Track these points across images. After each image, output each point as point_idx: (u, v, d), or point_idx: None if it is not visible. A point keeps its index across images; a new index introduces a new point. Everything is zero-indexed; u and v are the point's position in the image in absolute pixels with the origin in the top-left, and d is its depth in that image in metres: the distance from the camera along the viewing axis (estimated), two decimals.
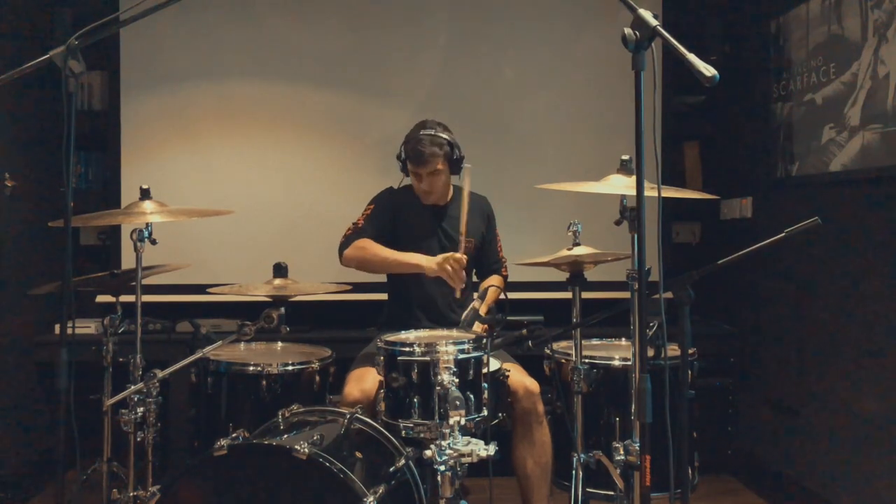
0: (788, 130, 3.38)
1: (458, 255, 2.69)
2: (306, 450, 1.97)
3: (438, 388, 2.11)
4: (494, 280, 3.06)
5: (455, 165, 2.90)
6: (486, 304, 2.66)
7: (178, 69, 3.86)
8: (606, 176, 2.23)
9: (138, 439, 2.42)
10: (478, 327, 2.62)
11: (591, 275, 2.41)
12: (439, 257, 2.70)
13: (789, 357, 3.35)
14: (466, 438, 2.05)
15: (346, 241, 2.89)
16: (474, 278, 3.13)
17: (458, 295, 2.74)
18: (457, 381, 2.12)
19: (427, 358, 2.20)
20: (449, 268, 2.67)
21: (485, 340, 2.28)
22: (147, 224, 2.42)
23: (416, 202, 2.99)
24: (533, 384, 2.64)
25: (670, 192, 2.33)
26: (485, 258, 3.09)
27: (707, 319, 3.92)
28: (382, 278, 3.06)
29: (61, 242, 1.85)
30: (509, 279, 3.14)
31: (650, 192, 1.63)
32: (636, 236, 1.80)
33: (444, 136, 2.86)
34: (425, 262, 2.74)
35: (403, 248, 2.89)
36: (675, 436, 1.80)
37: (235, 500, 2.07)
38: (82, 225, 3.46)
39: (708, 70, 1.48)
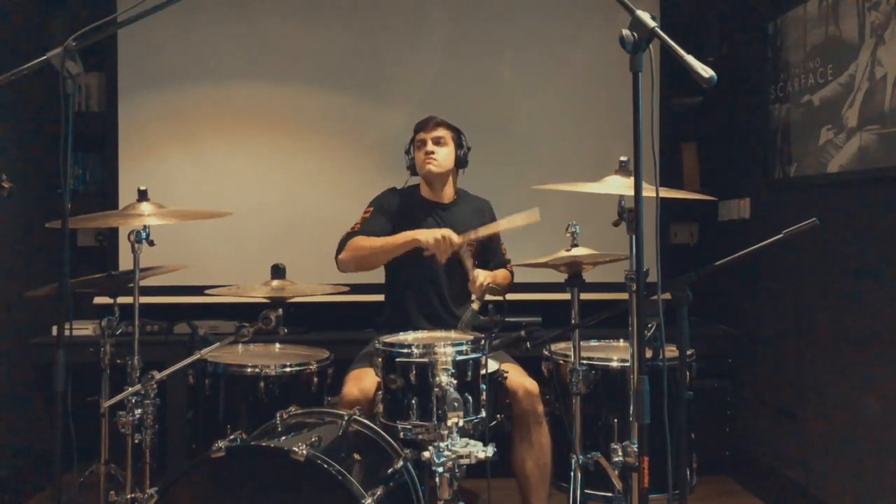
0: (786, 132, 3.39)
1: (456, 237, 2.69)
2: (304, 451, 1.97)
3: (437, 389, 2.11)
4: (499, 273, 3.05)
5: (462, 159, 2.98)
6: (495, 278, 2.71)
7: (176, 70, 3.86)
8: (604, 177, 2.23)
9: (136, 441, 2.42)
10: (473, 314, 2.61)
11: (589, 276, 2.41)
12: (437, 231, 2.71)
13: (787, 358, 3.35)
14: (465, 440, 2.05)
15: (341, 246, 2.90)
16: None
17: (441, 262, 2.73)
18: (455, 382, 2.12)
19: (425, 359, 2.20)
20: (444, 245, 2.67)
21: (483, 341, 2.28)
22: (145, 226, 2.41)
23: (418, 201, 3.00)
24: (532, 385, 2.64)
25: (668, 193, 2.33)
26: (490, 260, 3.10)
27: (705, 321, 3.92)
28: (380, 279, 3.06)
29: (58, 244, 1.84)
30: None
31: (648, 192, 1.63)
32: (634, 237, 1.81)
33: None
34: (420, 234, 2.74)
35: None
36: (673, 437, 1.80)
37: (233, 503, 2.06)
38: (80, 226, 3.45)
39: (706, 71, 1.48)
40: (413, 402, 2.20)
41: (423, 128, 2.95)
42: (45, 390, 3.60)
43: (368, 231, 2.89)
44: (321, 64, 3.92)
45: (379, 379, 2.32)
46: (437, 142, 2.92)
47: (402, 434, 2.23)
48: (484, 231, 2.74)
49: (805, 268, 3.21)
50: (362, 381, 2.60)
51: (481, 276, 2.73)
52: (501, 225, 2.75)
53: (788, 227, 2.08)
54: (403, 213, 2.96)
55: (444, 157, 2.93)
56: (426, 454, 2.02)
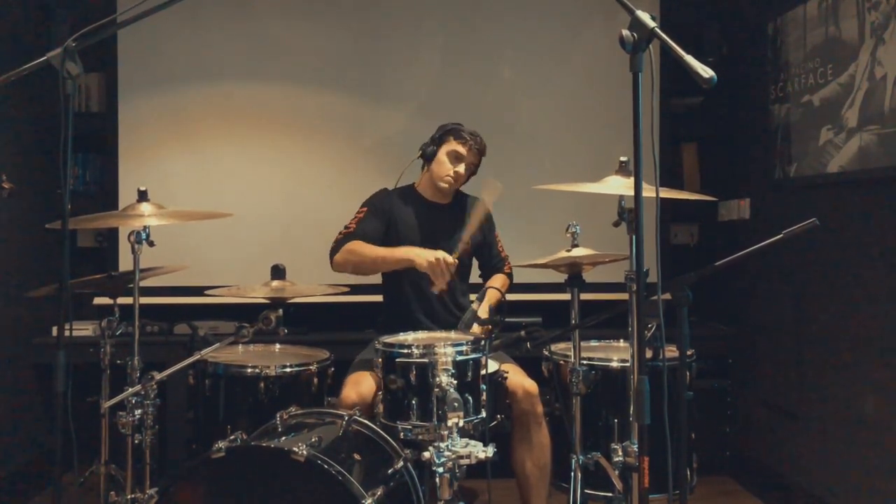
0: (786, 132, 3.39)
1: (450, 258, 2.68)
2: (305, 452, 1.97)
3: (437, 389, 2.11)
4: (497, 280, 3.05)
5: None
6: (486, 305, 2.67)
7: (176, 71, 3.86)
8: (604, 177, 2.23)
9: (136, 441, 2.42)
10: (476, 329, 2.62)
11: (589, 276, 2.41)
12: (431, 254, 2.69)
13: (787, 358, 3.35)
14: (465, 440, 2.05)
15: (336, 246, 2.89)
16: (474, 279, 3.14)
17: (436, 291, 2.73)
18: (455, 382, 2.13)
19: (425, 360, 2.20)
20: (438, 268, 2.66)
21: (483, 342, 2.28)
22: (145, 226, 2.41)
23: (412, 201, 3.00)
24: (532, 385, 2.64)
25: (668, 194, 2.33)
26: (487, 260, 3.10)
27: (705, 321, 3.92)
28: (379, 279, 3.06)
29: (58, 244, 1.84)
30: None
31: (648, 192, 1.63)
32: (634, 237, 1.81)
33: None
34: (415, 255, 2.72)
35: (397, 246, 2.89)
36: (673, 437, 1.80)
37: (233, 503, 2.06)
38: (79, 227, 3.47)
39: (706, 72, 1.48)
40: (413, 402, 2.21)
41: (466, 144, 2.89)
42: (45, 390, 3.60)
43: (363, 232, 2.89)
44: (321, 64, 3.92)
45: (378, 382, 2.32)
46: (469, 167, 2.92)
47: (402, 434, 2.24)
48: (468, 234, 2.74)
49: (805, 268, 3.21)
50: (360, 386, 2.59)
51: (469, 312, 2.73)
52: (475, 217, 2.74)
53: (788, 227, 2.08)
54: (403, 215, 2.95)
55: (464, 179, 2.96)
56: (426, 454, 2.03)
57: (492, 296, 2.79)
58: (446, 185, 2.92)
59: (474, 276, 3.15)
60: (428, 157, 2.95)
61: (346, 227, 2.93)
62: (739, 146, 3.86)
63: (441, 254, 2.68)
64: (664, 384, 1.85)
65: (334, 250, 2.89)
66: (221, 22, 3.88)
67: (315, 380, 2.67)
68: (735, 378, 3.79)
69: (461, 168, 2.89)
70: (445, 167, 2.89)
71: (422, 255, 2.70)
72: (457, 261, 2.70)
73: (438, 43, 3.97)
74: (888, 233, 2.72)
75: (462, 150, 2.88)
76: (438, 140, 2.93)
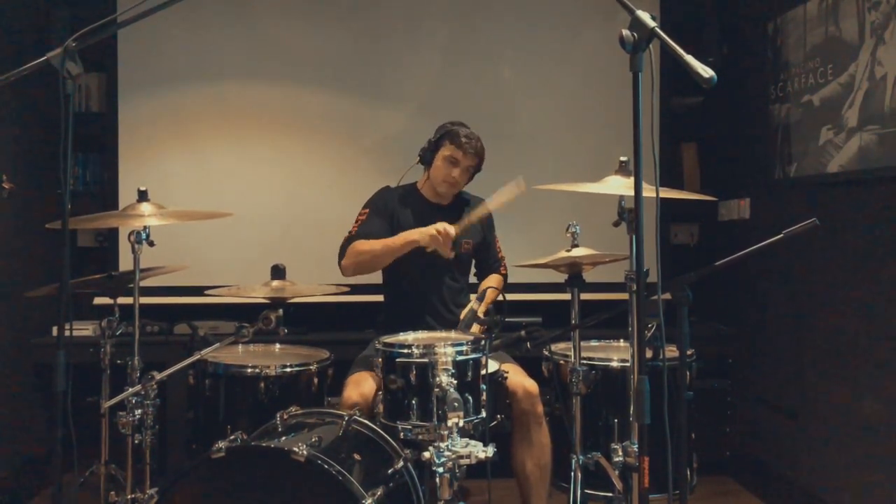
0: (786, 132, 3.39)
1: (450, 228, 2.71)
2: (305, 452, 1.97)
3: (437, 389, 2.11)
4: (493, 280, 3.07)
5: (471, 177, 2.99)
6: (485, 305, 2.67)
7: (176, 71, 3.86)
8: (604, 177, 2.24)
9: (136, 441, 2.42)
10: (475, 328, 2.62)
11: (589, 276, 2.41)
12: (431, 228, 2.72)
13: (788, 358, 3.35)
14: (465, 440, 2.05)
15: (342, 252, 2.90)
16: (473, 279, 3.14)
17: (448, 256, 2.76)
18: (455, 382, 2.12)
19: (425, 359, 2.20)
20: (440, 239, 2.69)
21: (483, 342, 2.28)
22: (145, 226, 2.41)
23: (414, 199, 3.00)
24: (532, 385, 2.65)
25: (668, 194, 2.34)
26: (484, 259, 3.11)
27: (705, 321, 3.92)
28: (379, 279, 3.06)
29: (59, 244, 1.84)
30: (508, 279, 3.15)
31: (648, 192, 1.63)
32: (634, 237, 1.81)
33: None
34: (418, 235, 2.75)
35: None
36: (673, 437, 1.80)
37: (233, 503, 2.06)
38: (79, 227, 3.47)
39: (706, 71, 1.48)
40: (413, 402, 2.21)
41: (461, 147, 2.87)
42: (45, 390, 3.59)
43: (366, 234, 2.89)
44: (321, 64, 3.92)
45: (379, 381, 2.32)
46: (467, 170, 2.92)
47: (402, 434, 2.24)
48: (476, 215, 2.75)
49: (805, 268, 3.21)
50: (362, 386, 2.60)
51: (466, 310, 2.74)
52: (491, 205, 2.76)
53: (788, 227, 2.08)
54: (404, 213, 2.96)
55: (463, 182, 2.95)
56: (426, 454, 2.02)
57: (491, 295, 2.80)
58: (445, 190, 2.94)
59: (471, 276, 3.15)
60: (426, 163, 2.96)
61: (349, 232, 2.93)
62: (739, 146, 3.86)
63: (440, 225, 2.71)
64: (664, 384, 1.85)
65: (340, 256, 2.90)
66: (221, 22, 3.88)
67: (315, 380, 2.67)
68: (735, 378, 3.79)
69: (457, 172, 2.89)
70: (443, 172, 2.91)
71: (423, 233, 2.74)
72: (458, 231, 2.73)
73: (438, 43, 3.97)
74: (888, 233, 2.72)
75: (458, 154, 2.88)
76: (435, 145, 2.93)
